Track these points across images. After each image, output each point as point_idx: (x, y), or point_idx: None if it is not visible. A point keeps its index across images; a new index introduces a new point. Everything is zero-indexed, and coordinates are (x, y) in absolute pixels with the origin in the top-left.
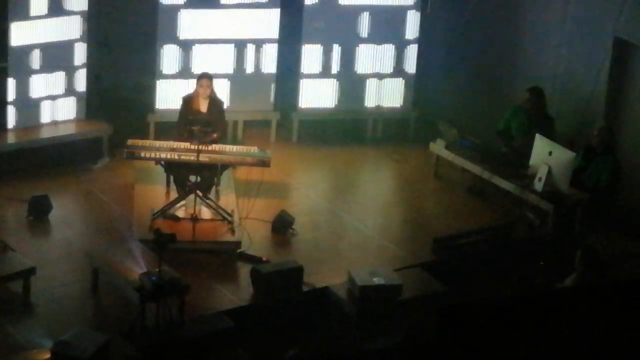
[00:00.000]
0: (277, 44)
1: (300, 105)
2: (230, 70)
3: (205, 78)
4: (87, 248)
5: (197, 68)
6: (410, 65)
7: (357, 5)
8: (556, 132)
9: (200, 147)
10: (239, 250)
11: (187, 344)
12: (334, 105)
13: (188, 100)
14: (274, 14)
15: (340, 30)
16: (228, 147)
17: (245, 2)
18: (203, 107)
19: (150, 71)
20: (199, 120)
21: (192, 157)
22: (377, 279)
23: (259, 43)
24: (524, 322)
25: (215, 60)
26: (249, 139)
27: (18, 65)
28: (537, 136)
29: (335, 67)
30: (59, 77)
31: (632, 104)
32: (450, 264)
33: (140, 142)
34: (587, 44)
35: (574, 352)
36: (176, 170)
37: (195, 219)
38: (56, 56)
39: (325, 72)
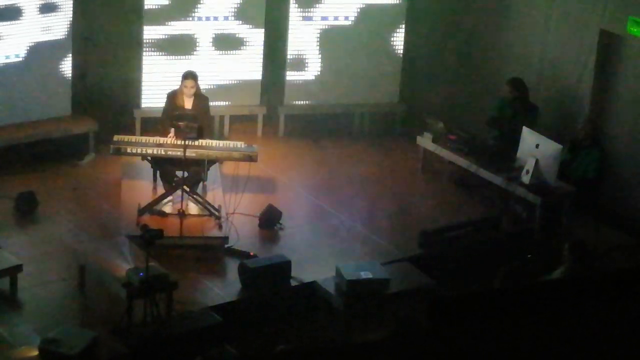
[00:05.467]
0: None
1: (286, 99)
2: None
3: (190, 79)
4: (74, 244)
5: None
6: (397, 59)
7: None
8: (537, 121)
9: (186, 142)
10: (226, 246)
11: (175, 340)
12: (320, 99)
13: (172, 97)
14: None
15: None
16: (215, 142)
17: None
18: (188, 104)
19: (135, 67)
20: (184, 115)
21: (178, 153)
22: (365, 273)
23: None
24: (513, 314)
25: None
26: (235, 134)
27: (3, 62)
28: (525, 129)
29: (321, 61)
30: (44, 73)
31: (618, 96)
32: (438, 257)
33: (126, 138)
34: (573, 36)
35: (562, 343)
36: (163, 165)
37: (182, 214)
38: (41, 53)
39: (311, 66)
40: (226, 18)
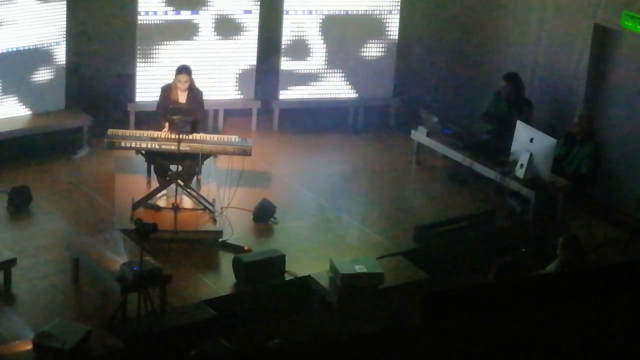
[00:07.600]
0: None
1: (280, 93)
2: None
3: (184, 73)
4: (68, 238)
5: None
6: (391, 52)
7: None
8: (533, 115)
9: (180, 136)
10: (220, 240)
11: (168, 334)
12: (314, 94)
13: (166, 90)
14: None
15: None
16: (209, 136)
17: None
18: (182, 98)
19: (129, 61)
20: (178, 109)
21: (172, 147)
22: (359, 267)
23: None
24: (506, 308)
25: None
26: (229, 127)
27: None
28: (519, 123)
29: (316, 56)
30: (38, 67)
31: (612, 90)
32: (432, 251)
33: (120, 132)
34: (567, 31)
35: (555, 337)
36: (157, 159)
37: (176, 208)
38: (34, 46)
39: (306, 60)
40: (219, 10)
